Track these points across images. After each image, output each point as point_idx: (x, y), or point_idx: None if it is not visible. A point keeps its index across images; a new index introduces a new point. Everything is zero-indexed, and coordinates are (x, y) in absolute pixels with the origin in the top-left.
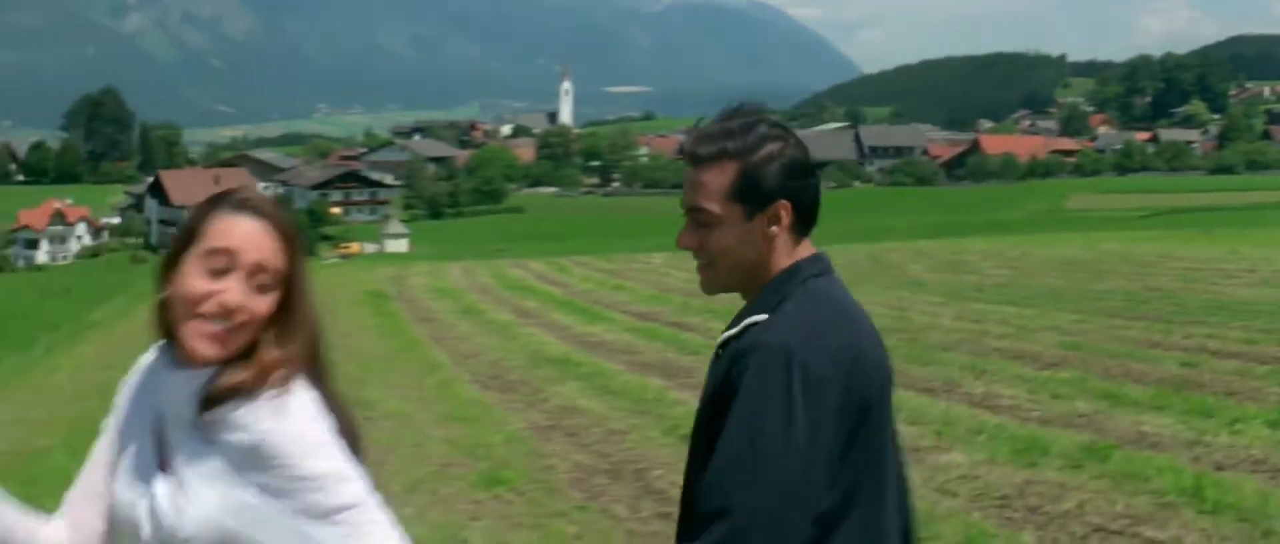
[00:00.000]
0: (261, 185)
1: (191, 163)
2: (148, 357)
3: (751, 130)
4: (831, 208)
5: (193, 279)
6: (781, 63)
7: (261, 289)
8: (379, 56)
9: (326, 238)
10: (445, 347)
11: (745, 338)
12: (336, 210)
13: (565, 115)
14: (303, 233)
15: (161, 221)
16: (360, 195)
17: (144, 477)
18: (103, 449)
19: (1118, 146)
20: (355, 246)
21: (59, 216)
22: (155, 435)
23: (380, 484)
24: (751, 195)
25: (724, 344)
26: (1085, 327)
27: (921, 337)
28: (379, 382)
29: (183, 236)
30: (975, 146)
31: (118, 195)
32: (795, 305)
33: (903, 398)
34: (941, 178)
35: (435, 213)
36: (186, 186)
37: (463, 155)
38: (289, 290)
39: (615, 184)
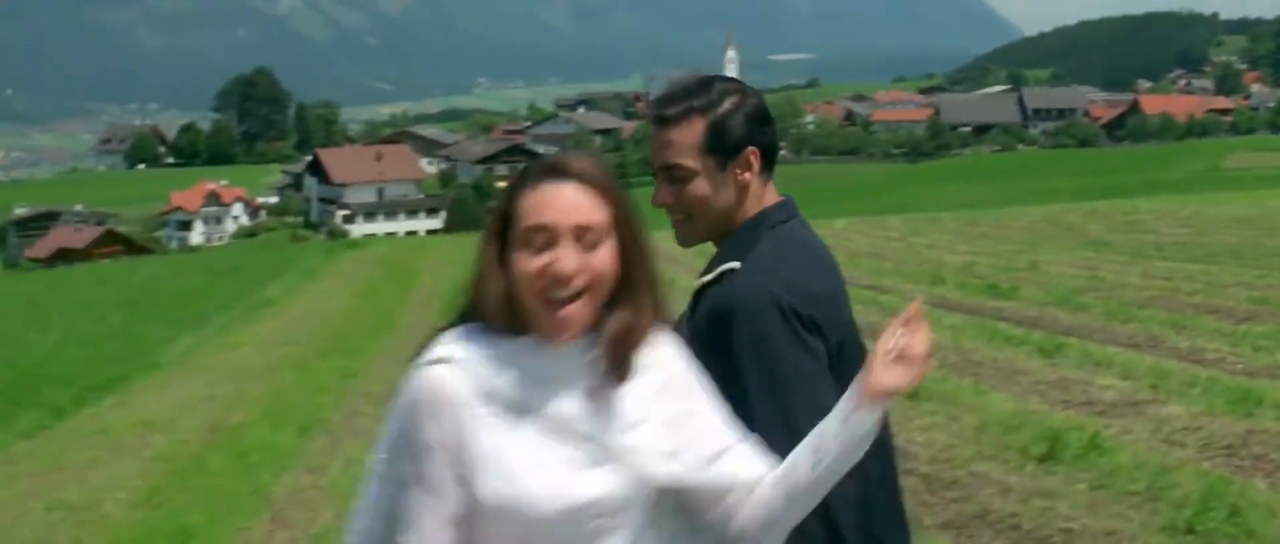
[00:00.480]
0: (424, 161)
1: (350, 141)
2: (440, 369)
3: (710, 87)
4: (998, 170)
5: (523, 262)
6: (941, 26)
7: (592, 247)
8: (538, 30)
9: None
10: None
11: (725, 287)
12: (502, 184)
13: None
14: (613, 176)
15: (322, 200)
16: None
17: (569, 461)
18: (434, 482)
19: (1270, 104)
20: None
21: (214, 197)
22: (548, 420)
23: None
24: (722, 146)
25: (701, 290)
26: (1269, 281)
27: (1116, 294)
28: None
29: (498, 222)
30: (1135, 107)
31: (273, 175)
32: (769, 251)
33: (1112, 354)
34: (1103, 139)
35: None
36: (346, 164)
37: (628, 126)
38: (622, 235)
39: (783, 152)
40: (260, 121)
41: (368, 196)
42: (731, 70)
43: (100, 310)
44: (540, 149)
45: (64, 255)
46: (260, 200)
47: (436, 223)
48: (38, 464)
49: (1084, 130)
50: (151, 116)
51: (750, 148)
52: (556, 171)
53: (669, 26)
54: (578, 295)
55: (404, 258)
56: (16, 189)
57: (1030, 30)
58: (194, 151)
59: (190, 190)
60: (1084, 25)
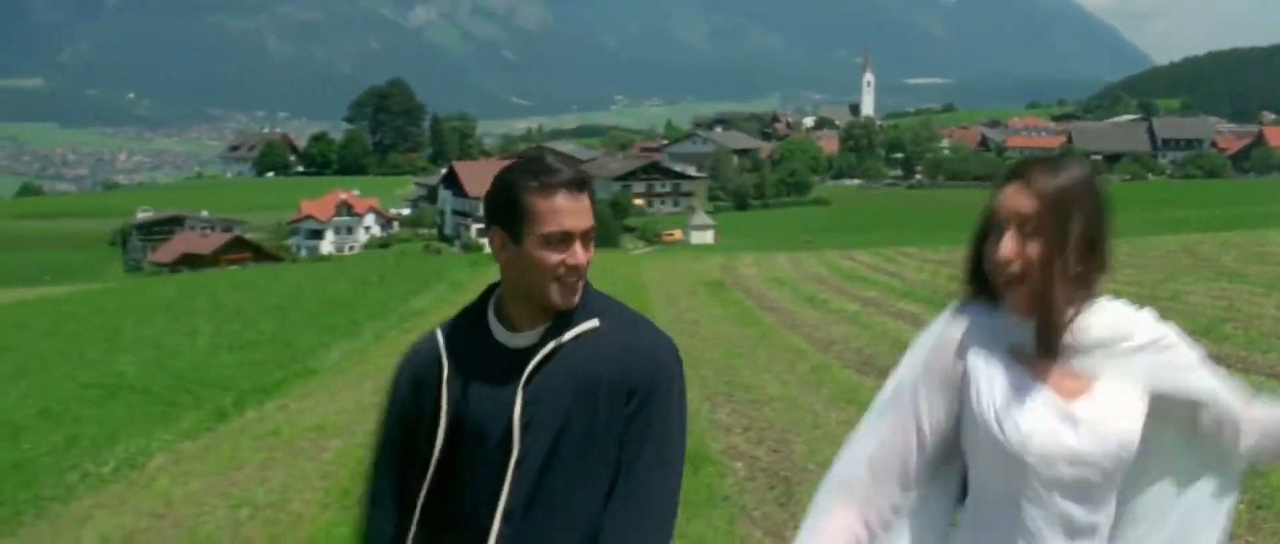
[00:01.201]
0: None
1: (486, 154)
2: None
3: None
4: (1130, 199)
5: (991, 246)
6: (1074, 53)
7: (1029, 237)
8: (676, 47)
9: (630, 229)
10: (801, 334)
11: (643, 337)
12: (640, 202)
13: (867, 107)
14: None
15: (456, 213)
16: (663, 187)
17: (1043, 406)
18: (901, 413)
19: None
20: (677, 234)
21: (345, 207)
22: (1018, 373)
23: (802, 463)
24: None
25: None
26: None
27: (1253, 325)
28: (751, 367)
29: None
30: (1260, 139)
31: (406, 187)
32: (623, 308)
33: (1256, 382)
34: (1229, 169)
35: (741, 204)
36: (482, 178)
37: (766, 147)
38: (1052, 234)
39: (918, 176)
40: (394, 133)
41: None
42: (868, 93)
43: (247, 317)
44: (677, 167)
45: (189, 261)
46: (393, 212)
47: None
48: (210, 465)
49: (1211, 161)
50: (280, 125)
51: None
52: (1015, 174)
53: (806, 47)
54: (1021, 279)
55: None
56: (140, 193)
57: (1161, 59)
58: (325, 161)
59: (321, 200)
60: (1213, 56)
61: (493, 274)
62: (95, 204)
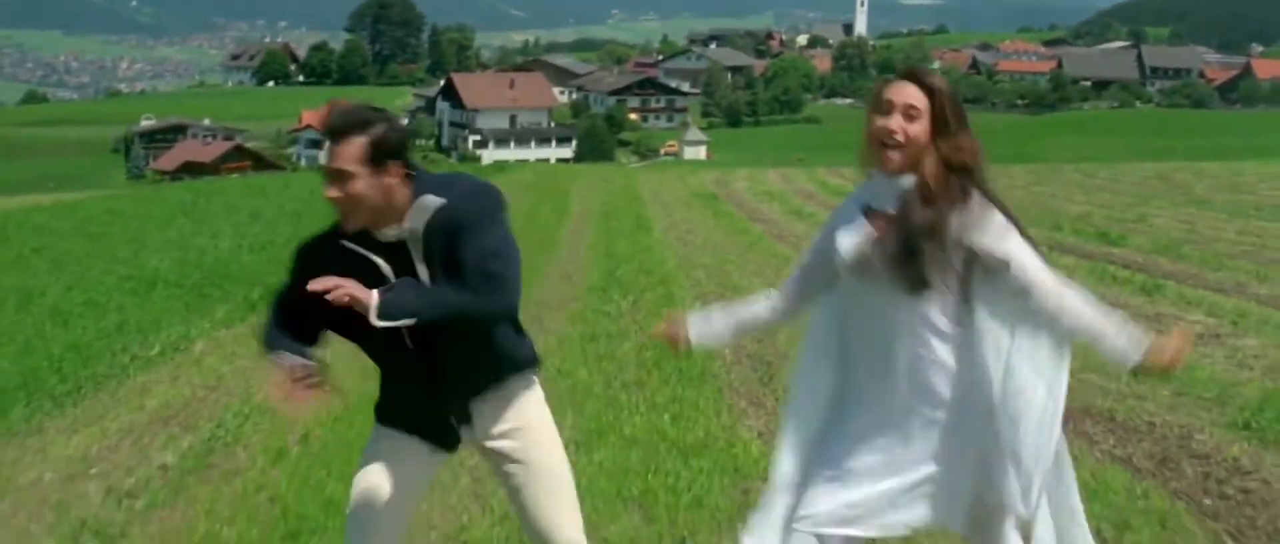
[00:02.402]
0: (557, 90)
1: (484, 66)
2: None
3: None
4: (1116, 126)
5: (871, 123)
6: None
7: (910, 119)
8: None
9: (624, 143)
10: (788, 243)
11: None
12: (634, 117)
13: (860, 26)
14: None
15: (454, 124)
16: (657, 102)
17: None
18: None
19: None
20: (674, 146)
21: None
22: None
23: (783, 350)
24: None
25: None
26: None
27: (1211, 246)
28: (741, 271)
29: (870, 102)
30: (1248, 70)
31: (405, 98)
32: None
33: (1200, 295)
34: (1215, 100)
35: (734, 121)
36: (480, 90)
37: (759, 64)
38: (935, 121)
39: None
40: (393, 43)
41: (500, 123)
42: (862, 12)
43: (265, 220)
44: (672, 83)
45: (190, 169)
46: None
47: (567, 152)
48: (250, 348)
49: (1198, 91)
50: (281, 34)
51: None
52: (905, 75)
53: None
54: (899, 148)
55: (554, 182)
56: (142, 101)
57: None
58: (325, 71)
59: (321, 109)
60: None
61: (501, 183)
62: (98, 112)
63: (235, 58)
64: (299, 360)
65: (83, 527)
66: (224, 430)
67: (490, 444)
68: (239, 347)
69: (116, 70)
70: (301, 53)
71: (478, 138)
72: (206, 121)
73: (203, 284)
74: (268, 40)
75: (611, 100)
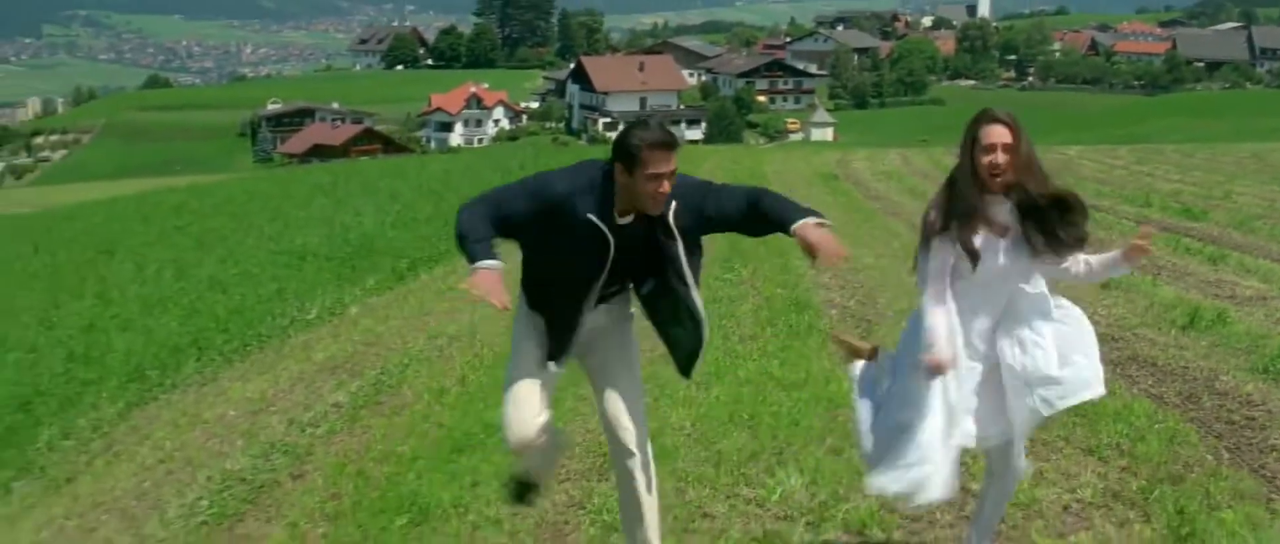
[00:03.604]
0: (686, 73)
1: (613, 49)
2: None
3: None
4: (1225, 107)
5: (986, 158)
6: None
7: (1007, 150)
8: None
9: (753, 125)
10: (900, 219)
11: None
12: (763, 99)
13: (984, 8)
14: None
15: (584, 107)
16: (785, 84)
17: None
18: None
19: None
20: (795, 124)
21: (475, 100)
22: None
23: (883, 310)
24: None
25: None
26: None
27: None
28: (852, 242)
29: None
30: None
31: (535, 81)
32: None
33: (1258, 264)
34: None
35: (860, 103)
36: (610, 73)
37: (885, 46)
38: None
39: (1030, 78)
40: (522, 27)
41: (630, 105)
42: None
43: (405, 199)
44: (799, 65)
45: (319, 152)
46: (521, 105)
47: (697, 134)
48: (401, 311)
49: None
50: (408, 18)
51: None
52: (995, 119)
53: None
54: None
55: (681, 164)
56: (267, 85)
57: None
58: (454, 55)
59: (452, 93)
60: None
61: None
62: (222, 96)
63: (363, 41)
64: (496, 264)
65: (272, 448)
66: (387, 376)
67: (604, 337)
68: (392, 310)
69: (240, 55)
70: (430, 36)
71: (608, 120)
72: (335, 105)
73: (352, 257)
74: (395, 24)
75: (740, 82)
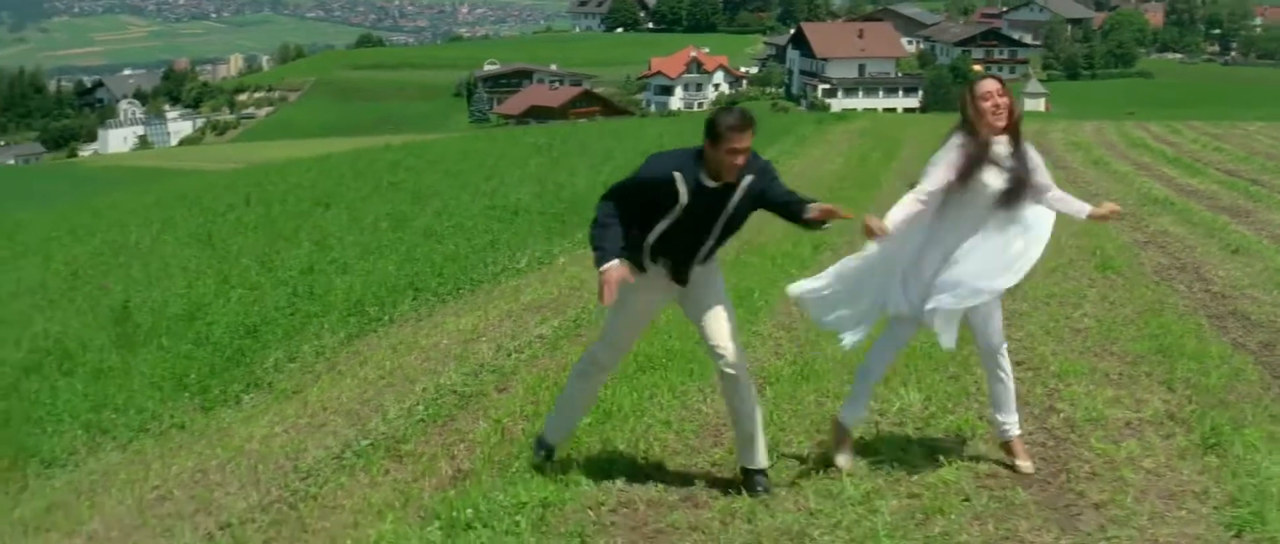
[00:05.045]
0: (904, 40)
1: (833, 15)
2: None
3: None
4: None
5: (990, 106)
6: None
7: (1001, 95)
8: None
9: None
10: (1076, 188)
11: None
12: (978, 67)
13: None
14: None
15: (804, 72)
16: (1001, 54)
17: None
18: (940, 176)
19: None
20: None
21: (695, 64)
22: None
23: (1036, 270)
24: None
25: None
26: None
27: None
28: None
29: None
30: None
31: (756, 46)
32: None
33: None
34: None
35: (1071, 73)
36: (830, 39)
37: (1098, 17)
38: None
39: (1233, 53)
40: None
41: (849, 72)
42: None
43: (618, 161)
44: (1015, 35)
45: (536, 113)
46: (742, 70)
47: (913, 102)
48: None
49: None
50: None
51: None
52: (988, 77)
53: None
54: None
55: (887, 130)
56: (484, 46)
57: None
58: (675, 18)
59: (672, 57)
60: None
61: (838, 131)
62: (437, 56)
63: (583, 3)
64: (616, 264)
65: (481, 367)
66: (587, 314)
67: (699, 285)
68: (579, 269)
69: (455, 15)
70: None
71: (826, 87)
72: (553, 67)
73: (563, 213)
74: None
75: (956, 51)
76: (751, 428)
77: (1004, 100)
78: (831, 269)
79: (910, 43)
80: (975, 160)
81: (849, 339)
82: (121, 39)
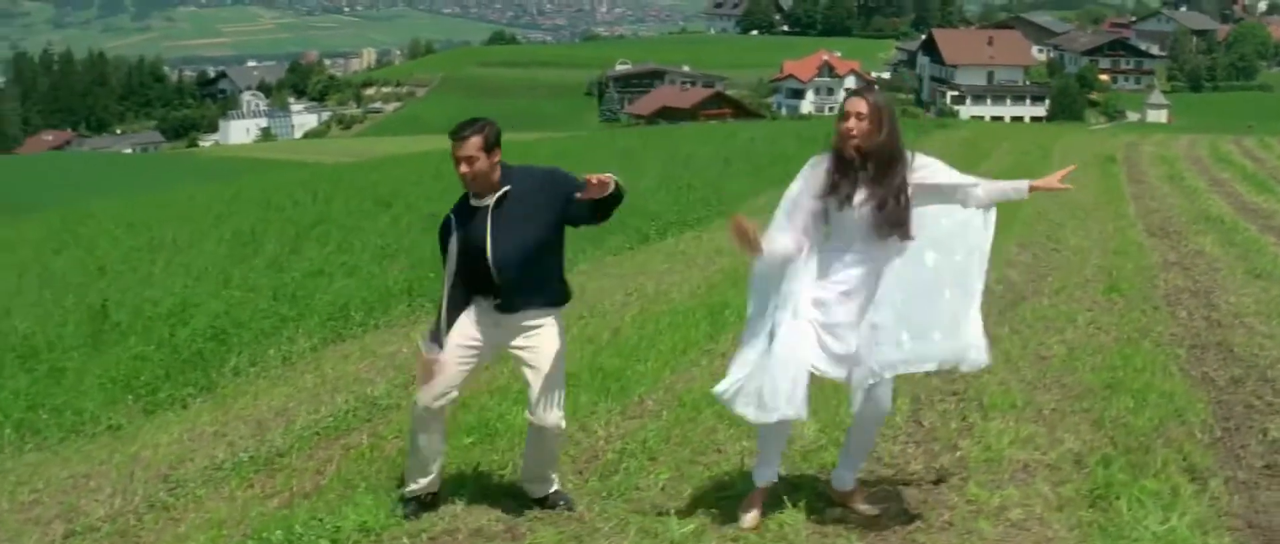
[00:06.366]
0: (1034, 49)
1: (966, 22)
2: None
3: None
4: None
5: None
6: None
7: (860, 118)
8: None
9: (1093, 104)
10: (1139, 204)
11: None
12: (1104, 78)
13: None
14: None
15: (933, 79)
16: (1127, 64)
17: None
18: (801, 199)
19: None
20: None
21: (827, 68)
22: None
23: (1035, 289)
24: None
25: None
26: None
27: None
28: (1075, 226)
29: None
30: None
31: (888, 51)
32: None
33: None
34: None
35: (1195, 85)
36: (959, 45)
37: (1223, 29)
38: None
39: None
40: None
41: (977, 79)
42: None
43: (695, 165)
44: (1142, 46)
45: (666, 114)
46: (873, 75)
47: (1040, 110)
48: (621, 269)
49: None
50: None
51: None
52: (857, 94)
53: None
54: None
55: (982, 140)
56: (619, 46)
57: None
58: (810, 21)
59: (804, 60)
60: None
61: (937, 139)
62: (571, 54)
63: (718, 5)
64: (438, 350)
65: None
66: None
67: (519, 340)
68: (612, 269)
69: (594, 13)
70: (786, 2)
71: (955, 93)
72: (685, 68)
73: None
74: None
75: (1084, 60)
76: (547, 470)
77: (861, 125)
78: (738, 355)
79: (1040, 51)
80: (833, 182)
81: (792, 413)
82: (250, 30)
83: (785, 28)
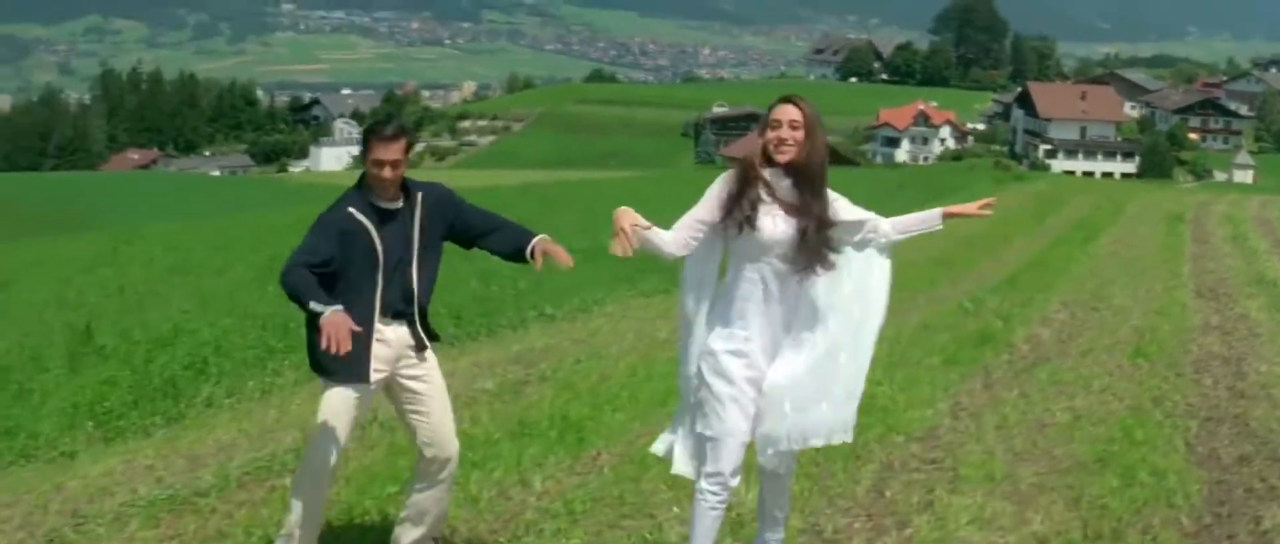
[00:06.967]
0: (1126, 105)
1: (1063, 77)
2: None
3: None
4: None
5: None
6: None
7: (794, 127)
8: None
9: (1181, 162)
10: (1196, 263)
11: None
12: (1194, 136)
13: None
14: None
15: (1027, 131)
16: (1216, 123)
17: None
18: (710, 207)
19: None
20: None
21: (923, 118)
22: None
23: (1060, 351)
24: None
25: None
26: None
27: None
28: (1124, 284)
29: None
30: None
31: (985, 102)
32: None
33: None
34: None
35: None
36: (1053, 99)
37: None
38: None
39: None
40: (976, 48)
41: (1070, 133)
42: None
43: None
44: (1231, 105)
45: None
46: (969, 126)
47: (1131, 167)
48: (646, 313)
49: None
50: (871, 31)
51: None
52: (788, 99)
53: None
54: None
55: (1058, 192)
56: (718, 88)
57: None
58: (908, 71)
59: (901, 109)
60: None
61: (1013, 192)
62: (669, 95)
63: (819, 52)
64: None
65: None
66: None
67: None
68: (637, 309)
69: (697, 56)
70: (886, 50)
71: (1048, 147)
72: None
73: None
74: (855, 36)
75: (1175, 118)
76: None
77: (796, 135)
78: (677, 411)
79: (1132, 108)
80: (741, 192)
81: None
82: (349, 58)
83: (884, 76)
